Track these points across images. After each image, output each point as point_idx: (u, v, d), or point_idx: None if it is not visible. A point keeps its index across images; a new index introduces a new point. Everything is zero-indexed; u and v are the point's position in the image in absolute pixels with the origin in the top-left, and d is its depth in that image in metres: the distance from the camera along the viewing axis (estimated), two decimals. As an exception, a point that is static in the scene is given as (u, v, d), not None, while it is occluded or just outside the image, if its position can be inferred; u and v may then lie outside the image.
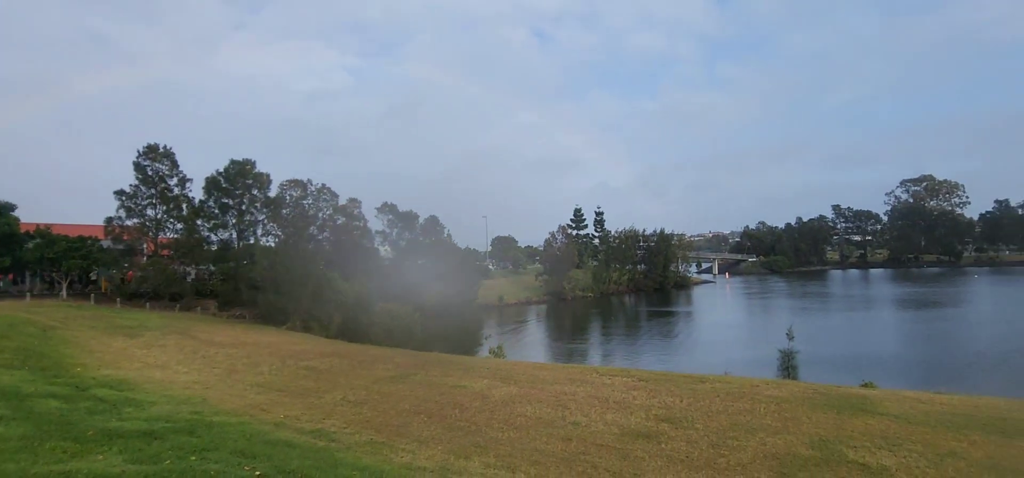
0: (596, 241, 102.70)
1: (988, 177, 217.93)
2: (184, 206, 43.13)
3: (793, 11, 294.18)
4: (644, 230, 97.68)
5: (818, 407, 11.90)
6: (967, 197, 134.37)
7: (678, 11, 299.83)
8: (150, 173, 41.88)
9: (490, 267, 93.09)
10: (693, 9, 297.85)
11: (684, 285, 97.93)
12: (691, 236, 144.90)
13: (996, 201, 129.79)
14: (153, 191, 42.22)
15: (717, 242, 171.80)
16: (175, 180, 42.84)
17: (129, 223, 41.77)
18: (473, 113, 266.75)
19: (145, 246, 44.44)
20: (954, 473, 8.21)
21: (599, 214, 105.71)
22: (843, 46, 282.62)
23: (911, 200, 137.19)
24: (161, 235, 43.68)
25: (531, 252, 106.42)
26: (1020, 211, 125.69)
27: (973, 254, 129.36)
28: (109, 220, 41.34)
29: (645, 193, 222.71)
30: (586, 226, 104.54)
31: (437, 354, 23.10)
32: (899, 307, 62.89)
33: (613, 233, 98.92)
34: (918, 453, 8.96)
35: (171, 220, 43.02)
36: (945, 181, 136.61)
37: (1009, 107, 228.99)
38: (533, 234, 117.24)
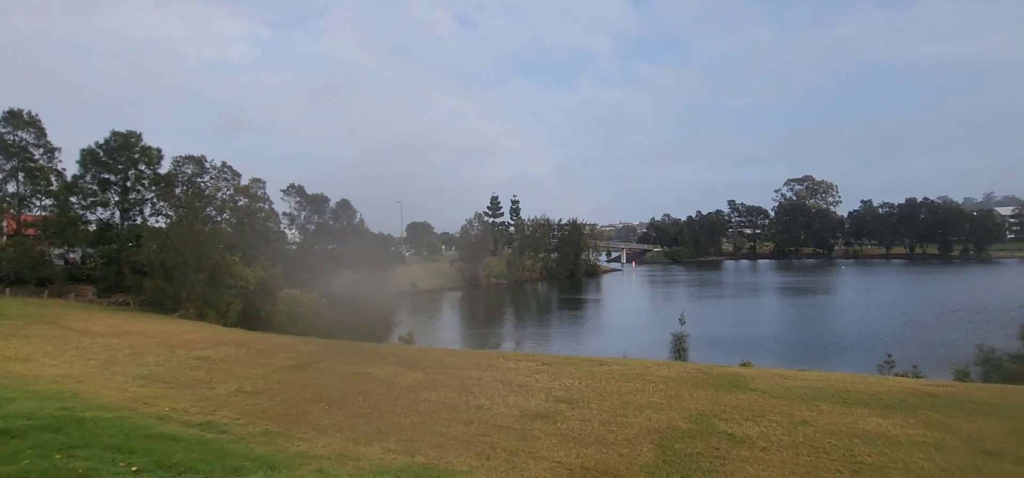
0: (511, 229, 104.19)
1: (856, 179, 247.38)
2: (54, 180, 38.46)
3: (700, 17, 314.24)
4: (558, 220, 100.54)
5: (700, 385, 13.04)
6: (839, 197, 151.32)
7: (597, 7, 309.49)
8: (10, 142, 36.89)
9: (405, 253, 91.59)
10: (611, 6, 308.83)
11: (594, 273, 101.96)
12: (602, 226, 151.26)
13: (862, 201, 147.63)
14: (14, 163, 37.25)
15: (626, 232, 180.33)
16: (41, 151, 38.06)
17: (-17, 198, 36.68)
18: (391, 96, 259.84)
19: (5, 224, 39.22)
20: (803, 438, 9.42)
21: (515, 202, 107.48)
22: (744, 54, 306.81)
23: (794, 198, 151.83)
24: (25, 213, 38.73)
25: (447, 239, 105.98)
26: (880, 210, 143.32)
27: (842, 247, 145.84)
28: (-42, 194, 36.07)
29: (562, 184, 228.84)
30: (502, 214, 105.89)
31: (343, 341, 22.54)
32: (780, 294, 69.75)
33: (528, 221, 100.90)
34: (776, 423, 10.16)
35: (37, 196, 38.23)
36: (822, 182, 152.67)
37: (875, 117, 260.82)
38: (449, 221, 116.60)
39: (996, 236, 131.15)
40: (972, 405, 11.06)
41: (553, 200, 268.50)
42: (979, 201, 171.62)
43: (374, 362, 15.86)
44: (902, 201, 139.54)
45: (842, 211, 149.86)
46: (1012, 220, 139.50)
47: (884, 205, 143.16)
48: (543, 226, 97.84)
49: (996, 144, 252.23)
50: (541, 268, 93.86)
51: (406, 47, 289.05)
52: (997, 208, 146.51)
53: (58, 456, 6.67)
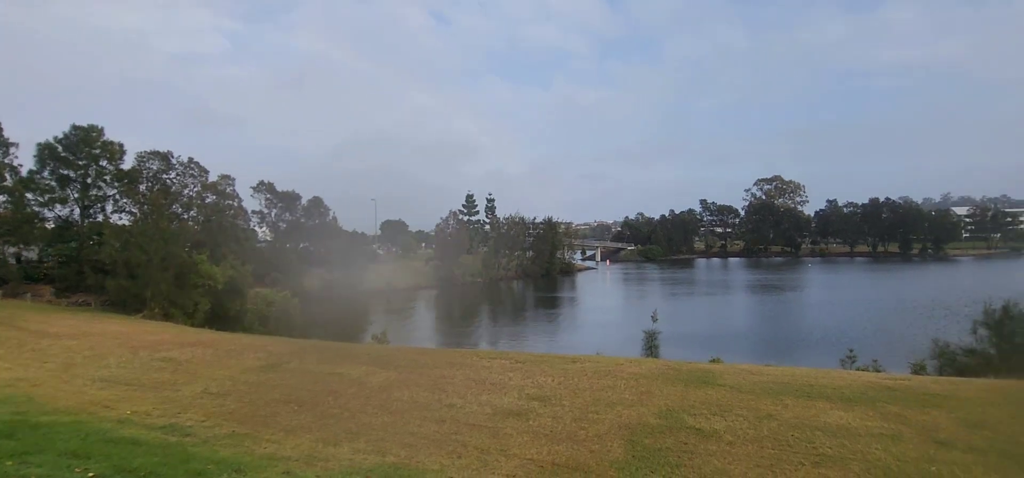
0: (487, 227, 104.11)
1: (823, 179, 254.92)
2: (8, 176, 36.90)
3: (674, 18, 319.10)
4: (534, 218, 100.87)
5: (670, 381, 13.24)
6: (806, 197, 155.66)
7: (573, 6, 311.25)
8: (-38, 135, 35.28)
9: (379, 252, 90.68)
10: (587, 6, 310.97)
11: (569, 271, 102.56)
12: (577, 224, 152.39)
13: (828, 200, 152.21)
14: (-34, 157, 35.62)
15: (601, 231, 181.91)
16: (-4, 146, 36.51)
17: (-68, 194, 34.95)
18: (364, 92, 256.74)
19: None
20: (768, 431, 9.65)
21: (491, 201, 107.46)
22: (718, 57, 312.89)
23: (764, 197, 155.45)
24: (-23, 210, 37.05)
25: (422, 237, 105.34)
26: (845, 210, 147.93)
27: (809, 246, 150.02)
28: (-97, 190, 34.28)
29: (537, 182, 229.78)
30: (478, 212, 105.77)
31: (315, 341, 22.20)
32: (749, 291, 71.35)
33: (503, 220, 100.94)
34: (743, 417, 10.38)
35: (-9, 192, 36.65)
36: (791, 181, 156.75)
37: (842, 119, 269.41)
38: (424, 219, 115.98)
39: (953, 235, 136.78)
40: (927, 397, 11.50)
41: (528, 198, 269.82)
42: (937, 201, 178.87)
43: (346, 362, 15.66)
44: (866, 201, 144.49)
45: (809, 210, 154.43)
46: (967, 220, 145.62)
47: (849, 205, 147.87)
48: (518, 224, 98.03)
49: (954, 147, 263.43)
50: (516, 266, 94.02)
51: (379, 43, 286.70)
52: (954, 208, 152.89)
53: (10, 463, 6.42)
